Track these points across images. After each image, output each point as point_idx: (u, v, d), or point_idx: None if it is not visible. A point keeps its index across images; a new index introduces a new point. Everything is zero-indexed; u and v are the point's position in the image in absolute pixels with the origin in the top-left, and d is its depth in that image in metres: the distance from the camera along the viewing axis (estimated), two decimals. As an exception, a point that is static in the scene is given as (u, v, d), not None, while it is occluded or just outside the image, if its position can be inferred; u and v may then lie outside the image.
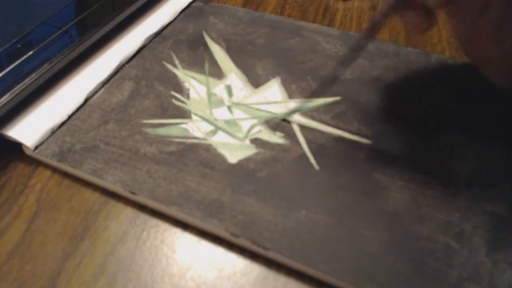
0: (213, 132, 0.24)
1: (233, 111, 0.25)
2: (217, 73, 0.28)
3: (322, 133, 0.24)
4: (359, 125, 0.24)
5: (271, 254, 0.19)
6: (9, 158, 0.24)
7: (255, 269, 0.19)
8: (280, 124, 0.24)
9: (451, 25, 0.24)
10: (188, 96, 0.26)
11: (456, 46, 0.30)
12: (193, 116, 0.25)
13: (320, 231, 0.19)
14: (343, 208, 0.20)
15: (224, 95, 0.26)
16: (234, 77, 0.27)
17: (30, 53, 0.26)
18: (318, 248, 0.19)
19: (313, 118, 0.25)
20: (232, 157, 0.23)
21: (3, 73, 0.25)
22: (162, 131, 0.24)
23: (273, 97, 0.26)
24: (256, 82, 0.27)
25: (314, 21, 0.33)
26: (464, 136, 0.23)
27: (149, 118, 0.25)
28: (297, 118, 0.25)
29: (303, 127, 0.24)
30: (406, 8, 0.22)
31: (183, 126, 0.24)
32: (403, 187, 0.21)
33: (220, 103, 0.26)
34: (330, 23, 0.33)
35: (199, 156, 0.23)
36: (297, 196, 0.21)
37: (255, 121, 0.25)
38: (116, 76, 0.28)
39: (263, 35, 0.30)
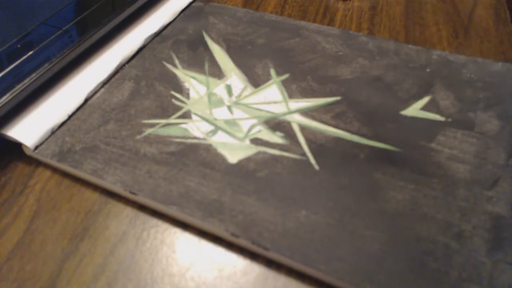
0: (213, 132, 0.24)
1: (233, 111, 0.25)
2: (217, 73, 0.28)
3: (322, 133, 0.24)
4: (359, 125, 0.24)
5: (271, 254, 0.19)
6: (9, 158, 0.24)
7: (255, 269, 0.19)
8: (280, 124, 0.24)
9: None
10: (188, 96, 0.26)
11: (456, 45, 0.30)
12: (193, 116, 0.25)
13: (320, 231, 0.19)
14: (343, 208, 0.20)
15: (224, 95, 0.26)
16: (234, 77, 0.27)
17: (30, 53, 0.26)
18: (318, 248, 0.19)
19: (313, 118, 0.25)
20: (232, 157, 0.23)
21: (3, 73, 0.25)
22: (162, 131, 0.24)
23: (273, 97, 0.26)
24: (256, 82, 0.27)
25: (314, 21, 0.33)
26: (464, 135, 0.23)
27: (149, 118, 0.25)
28: (297, 118, 0.25)
29: (303, 127, 0.24)
30: None
31: (183, 126, 0.24)
32: (403, 187, 0.21)
33: (220, 103, 0.26)
34: (330, 23, 0.33)
35: (199, 156, 0.23)
36: (297, 196, 0.21)
37: (255, 121, 0.25)
38: (116, 76, 0.28)
39: (263, 35, 0.30)
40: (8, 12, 0.30)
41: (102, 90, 0.27)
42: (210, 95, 0.26)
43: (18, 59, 0.26)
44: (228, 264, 0.19)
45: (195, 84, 0.27)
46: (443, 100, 0.25)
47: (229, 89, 0.27)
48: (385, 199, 0.21)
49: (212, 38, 0.30)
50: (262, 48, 0.29)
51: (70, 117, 0.25)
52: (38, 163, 0.24)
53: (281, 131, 0.24)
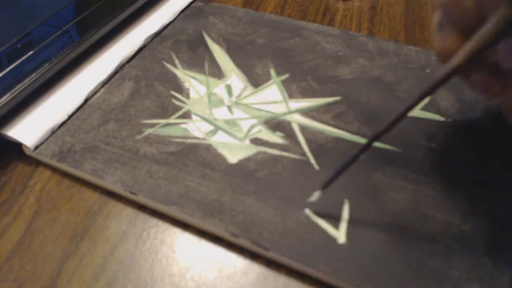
0: (213, 132, 0.24)
1: (233, 111, 0.25)
2: (217, 73, 0.28)
3: (322, 133, 0.24)
4: (359, 125, 0.24)
5: (271, 254, 0.19)
6: (9, 158, 0.24)
7: (255, 269, 0.19)
8: (280, 124, 0.24)
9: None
10: (188, 96, 0.26)
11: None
12: (193, 116, 0.25)
13: (320, 231, 0.19)
14: (343, 208, 0.20)
15: (224, 95, 0.26)
16: (234, 77, 0.27)
17: (30, 53, 0.26)
18: (318, 248, 0.19)
19: (313, 118, 0.25)
20: (232, 157, 0.23)
21: (3, 73, 0.25)
22: (162, 131, 0.24)
23: (273, 97, 0.26)
24: (256, 82, 0.27)
25: (314, 21, 0.33)
26: (464, 135, 0.23)
27: (149, 118, 0.25)
28: (297, 118, 0.25)
29: (303, 127, 0.24)
30: (473, 70, 0.18)
31: (183, 126, 0.24)
32: (403, 187, 0.21)
33: (220, 103, 0.26)
34: (330, 23, 0.33)
35: (199, 156, 0.23)
36: (297, 196, 0.21)
37: (255, 121, 0.25)
38: (116, 76, 0.28)
39: (263, 35, 0.30)
40: (8, 12, 0.30)
41: (102, 90, 0.27)
42: (210, 95, 0.26)
43: (18, 59, 0.26)
44: (228, 264, 0.19)
45: (195, 84, 0.27)
46: (443, 101, 0.25)
47: (229, 89, 0.27)
48: (385, 199, 0.21)
49: (212, 38, 0.30)
50: (262, 48, 0.29)
51: (70, 117, 0.25)
52: (38, 163, 0.24)
53: (281, 131, 0.24)
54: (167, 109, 0.25)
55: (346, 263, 0.18)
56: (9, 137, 0.24)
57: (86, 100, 0.26)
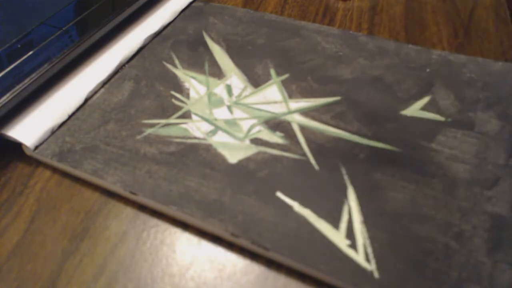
0: (213, 132, 0.24)
1: (233, 111, 0.25)
2: (217, 73, 0.28)
3: (322, 133, 0.24)
4: (359, 125, 0.24)
5: (271, 254, 0.19)
6: (9, 158, 0.24)
7: (255, 269, 0.19)
8: (280, 124, 0.24)
9: None
10: (188, 96, 0.26)
11: (456, 45, 0.30)
12: (193, 116, 0.25)
13: (320, 231, 0.19)
14: (343, 208, 0.20)
15: (224, 95, 0.26)
16: (234, 77, 0.27)
17: (30, 53, 0.26)
18: (318, 248, 0.19)
19: (313, 118, 0.25)
20: (232, 157, 0.23)
21: (3, 73, 0.25)
22: (162, 131, 0.24)
23: (273, 97, 0.26)
24: (256, 82, 0.27)
25: (314, 21, 0.33)
26: (464, 135, 0.23)
27: (149, 118, 0.25)
28: (297, 118, 0.25)
29: (303, 127, 0.24)
30: None
31: (183, 126, 0.24)
32: (403, 187, 0.21)
33: (220, 103, 0.26)
34: (330, 23, 0.33)
35: (199, 156, 0.23)
36: (297, 196, 0.21)
37: (255, 121, 0.25)
38: (116, 76, 0.28)
39: (263, 35, 0.30)
40: (8, 12, 0.30)
41: (102, 90, 0.27)
42: (210, 95, 0.26)
43: (18, 59, 0.26)
44: (228, 264, 0.19)
45: (195, 84, 0.27)
46: (443, 100, 0.25)
47: (229, 89, 0.27)
48: (385, 199, 0.21)
49: (212, 38, 0.30)
50: (262, 48, 0.29)
51: (70, 117, 0.25)
52: (38, 163, 0.24)
53: (281, 131, 0.24)
54: (167, 109, 0.25)
55: (346, 263, 0.18)
56: (9, 137, 0.24)
57: (86, 100, 0.26)
